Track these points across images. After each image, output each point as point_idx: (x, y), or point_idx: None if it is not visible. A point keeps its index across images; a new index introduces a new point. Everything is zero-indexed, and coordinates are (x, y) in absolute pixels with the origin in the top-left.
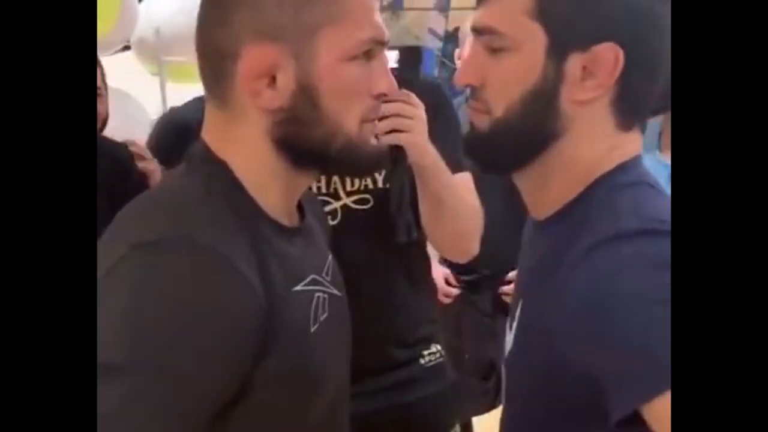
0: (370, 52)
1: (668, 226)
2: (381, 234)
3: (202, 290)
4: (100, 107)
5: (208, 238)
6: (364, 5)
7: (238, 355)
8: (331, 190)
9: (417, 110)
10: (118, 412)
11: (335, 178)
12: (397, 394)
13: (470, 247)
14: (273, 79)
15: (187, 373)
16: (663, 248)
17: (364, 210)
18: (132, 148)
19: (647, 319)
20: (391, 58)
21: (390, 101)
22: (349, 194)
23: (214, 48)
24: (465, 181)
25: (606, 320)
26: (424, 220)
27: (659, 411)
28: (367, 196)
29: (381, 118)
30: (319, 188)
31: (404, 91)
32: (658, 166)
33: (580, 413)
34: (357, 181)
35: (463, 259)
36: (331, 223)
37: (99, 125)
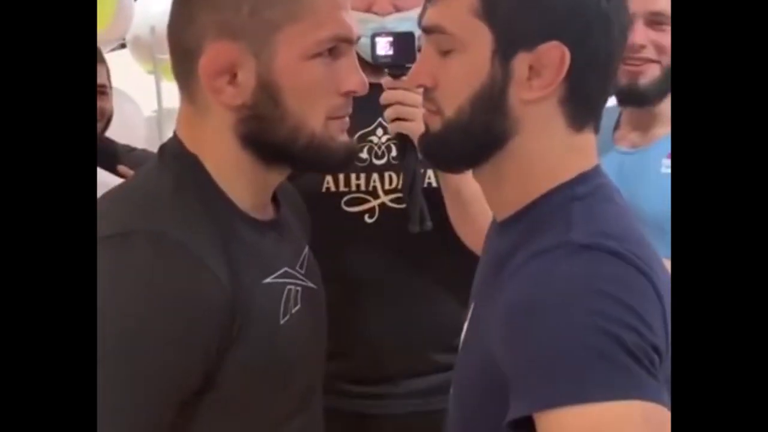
0: (336, 49)
1: (618, 244)
2: (420, 233)
3: (166, 282)
4: (105, 104)
5: (175, 232)
6: (328, 3)
7: (202, 345)
8: (370, 188)
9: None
10: None
11: (375, 176)
12: (434, 398)
13: None
14: (234, 77)
15: (151, 362)
16: (603, 267)
17: (401, 209)
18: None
19: (561, 337)
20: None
21: (391, 88)
22: (387, 192)
23: (181, 46)
24: None
25: (524, 327)
26: (450, 216)
27: (549, 425)
28: None
29: (385, 107)
30: (358, 186)
31: (406, 77)
32: (612, 154)
33: (504, 414)
34: (396, 180)
35: None
36: (369, 221)
37: (104, 122)
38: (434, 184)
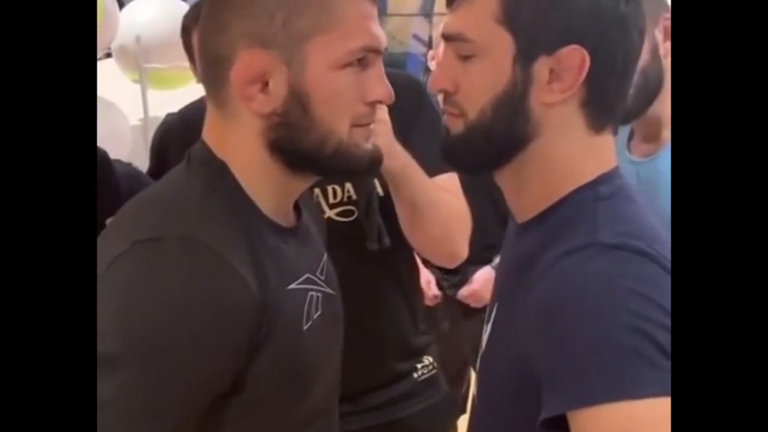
0: (365, 59)
1: (643, 243)
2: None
3: (197, 286)
4: None
5: (206, 237)
6: (358, 14)
7: (230, 350)
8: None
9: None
10: (113, 402)
11: (317, 191)
12: (391, 409)
13: (455, 251)
14: (266, 85)
15: (180, 367)
16: (632, 267)
17: (348, 222)
18: None
19: (595, 335)
20: None
21: None
22: (332, 207)
23: (213, 54)
24: (448, 182)
25: (557, 325)
26: (402, 225)
27: (583, 423)
28: (351, 207)
29: None
30: None
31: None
32: (627, 165)
33: (538, 413)
34: (339, 193)
35: (450, 264)
36: None
37: None
38: (380, 193)
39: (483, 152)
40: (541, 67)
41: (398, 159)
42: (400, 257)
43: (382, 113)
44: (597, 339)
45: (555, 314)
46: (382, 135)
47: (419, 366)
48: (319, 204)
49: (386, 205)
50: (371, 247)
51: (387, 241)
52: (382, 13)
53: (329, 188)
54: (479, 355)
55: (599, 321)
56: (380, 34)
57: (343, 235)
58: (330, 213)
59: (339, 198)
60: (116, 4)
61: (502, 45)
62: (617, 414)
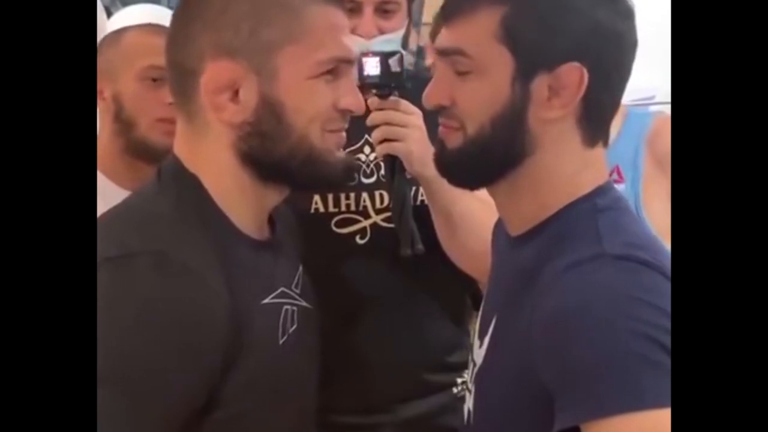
0: (337, 69)
1: (647, 254)
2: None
3: (170, 304)
4: None
5: (178, 253)
6: (327, 24)
7: (205, 366)
8: (360, 208)
9: (410, 117)
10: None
11: (365, 195)
12: (430, 421)
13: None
14: (236, 94)
15: (155, 384)
16: (640, 277)
17: (393, 228)
18: None
19: (609, 344)
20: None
21: (378, 109)
22: (378, 212)
23: (180, 65)
24: (488, 194)
25: (570, 336)
26: (438, 235)
27: None
28: None
29: (372, 128)
30: (348, 206)
31: (394, 98)
32: None
33: (543, 428)
34: (387, 199)
35: (485, 279)
36: (360, 242)
37: None
38: (426, 201)
39: (480, 167)
40: (540, 84)
41: (432, 167)
42: (445, 268)
43: (417, 119)
44: (609, 349)
45: (564, 326)
46: (417, 141)
47: (460, 381)
48: (365, 209)
49: (427, 213)
50: (404, 253)
51: (420, 247)
52: None
53: (377, 193)
54: (474, 369)
55: (610, 331)
56: (350, 45)
57: (388, 241)
58: (376, 218)
59: (386, 203)
60: (104, 13)
61: (502, 63)
62: (634, 424)
